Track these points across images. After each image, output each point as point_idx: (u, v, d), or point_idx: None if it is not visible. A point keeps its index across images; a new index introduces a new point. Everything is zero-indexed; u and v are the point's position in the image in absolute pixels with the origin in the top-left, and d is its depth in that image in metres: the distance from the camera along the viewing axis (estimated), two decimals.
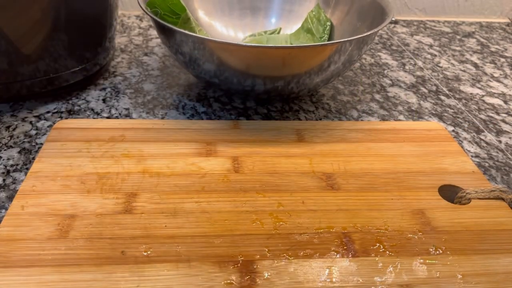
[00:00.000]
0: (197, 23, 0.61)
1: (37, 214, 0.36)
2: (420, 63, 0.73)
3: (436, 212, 0.38)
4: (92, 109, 0.54)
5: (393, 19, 0.93)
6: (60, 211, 0.36)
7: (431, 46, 0.81)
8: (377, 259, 0.34)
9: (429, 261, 0.34)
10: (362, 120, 0.55)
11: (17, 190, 0.39)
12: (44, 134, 0.49)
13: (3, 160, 0.45)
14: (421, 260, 0.34)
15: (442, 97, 0.62)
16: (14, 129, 0.50)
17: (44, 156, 0.43)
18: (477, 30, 0.90)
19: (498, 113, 0.59)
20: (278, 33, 0.66)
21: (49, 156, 0.43)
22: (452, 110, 0.59)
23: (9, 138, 0.48)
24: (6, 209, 0.38)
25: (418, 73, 0.70)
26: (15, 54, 0.48)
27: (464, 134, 0.54)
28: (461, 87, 0.66)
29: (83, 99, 0.56)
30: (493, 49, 0.81)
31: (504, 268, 0.34)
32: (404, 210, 0.39)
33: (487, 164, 0.48)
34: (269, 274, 0.32)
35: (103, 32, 0.58)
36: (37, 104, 0.54)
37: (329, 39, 0.60)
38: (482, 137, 0.53)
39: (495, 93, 0.65)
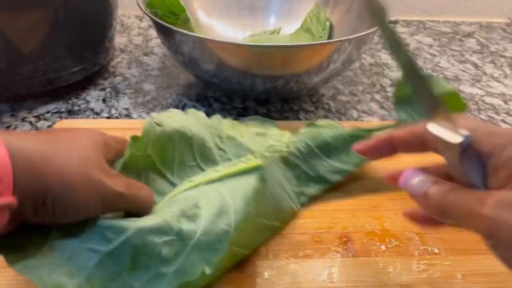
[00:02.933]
0: (197, 23, 0.61)
1: None
2: (420, 63, 0.73)
3: None
4: (92, 109, 0.54)
5: (393, 19, 0.93)
6: None
7: (431, 46, 0.81)
8: (377, 259, 0.34)
9: (429, 261, 0.34)
10: (362, 120, 0.55)
11: None
12: None
13: None
14: (421, 260, 0.34)
15: None
16: (14, 129, 0.50)
17: None
18: (477, 30, 0.90)
19: (498, 113, 0.59)
20: (278, 33, 0.66)
21: None
22: None
23: None
24: None
25: None
26: (15, 54, 0.48)
27: None
28: (461, 87, 0.66)
29: (83, 99, 0.56)
30: (493, 49, 0.81)
31: (503, 268, 0.34)
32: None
33: None
34: (269, 274, 0.32)
35: (102, 32, 0.58)
36: (37, 104, 0.54)
37: (328, 39, 0.60)
38: None
39: (495, 93, 0.65)
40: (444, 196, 0.24)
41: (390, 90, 0.63)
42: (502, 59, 0.77)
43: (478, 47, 0.81)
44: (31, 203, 0.24)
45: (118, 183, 0.28)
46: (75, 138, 0.28)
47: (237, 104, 0.57)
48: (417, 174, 0.26)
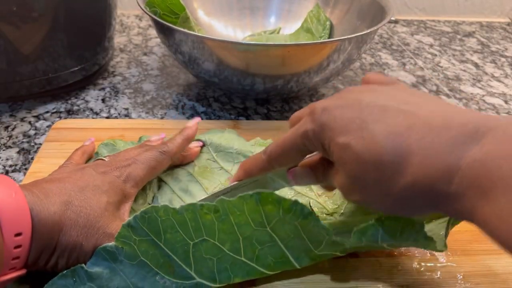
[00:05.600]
0: (196, 22, 0.61)
1: None
2: (420, 63, 0.73)
3: None
4: (91, 109, 0.54)
5: (393, 18, 0.92)
6: None
7: (431, 45, 0.81)
8: (378, 259, 0.34)
9: (429, 262, 0.34)
10: None
11: None
12: (43, 134, 0.49)
13: (2, 160, 0.45)
14: (422, 261, 0.34)
15: (443, 97, 0.62)
16: (13, 129, 0.49)
17: (43, 156, 0.43)
18: (477, 29, 0.90)
19: (498, 113, 0.59)
20: (278, 33, 0.66)
21: (48, 156, 0.43)
22: None
23: (8, 138, 0.48)
24: None
25: (419, 72, 0.70)
26: (14, 54, 0.48)
27: None
28: (462, 87, 0.66)
29: (82, 99, 0.56)
30: (493, 49, 0.81)
31: (504, 268, 0.33)
32: None
33: None
34: None
35: (102, 32, 0.57)
36: (36, 104, 0.54)
37: (328, 39, 0.60)
38: None
39: (495, 92, 0.64)
40: None
41: None
42: (503, 59, 0.76)
43: (479, 47, 0.81)
44: (40, 255, 0.28)
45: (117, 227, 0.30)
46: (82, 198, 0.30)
47: (237, 104, 0.57)
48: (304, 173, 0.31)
